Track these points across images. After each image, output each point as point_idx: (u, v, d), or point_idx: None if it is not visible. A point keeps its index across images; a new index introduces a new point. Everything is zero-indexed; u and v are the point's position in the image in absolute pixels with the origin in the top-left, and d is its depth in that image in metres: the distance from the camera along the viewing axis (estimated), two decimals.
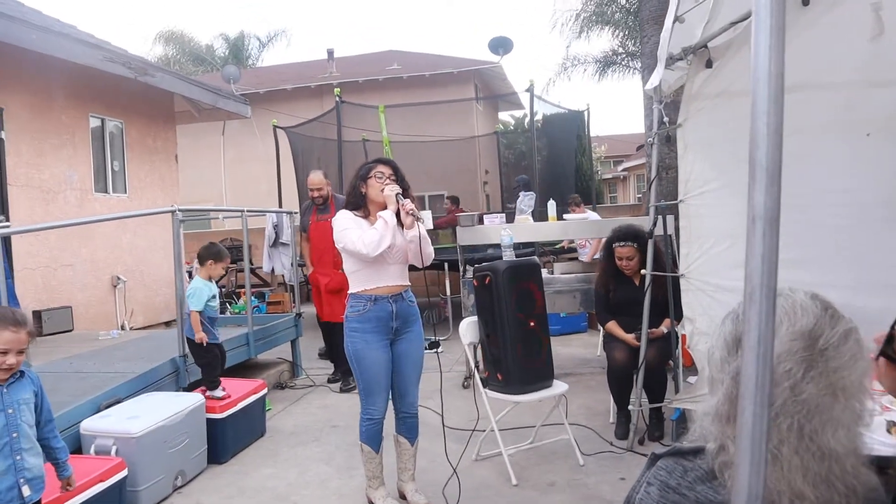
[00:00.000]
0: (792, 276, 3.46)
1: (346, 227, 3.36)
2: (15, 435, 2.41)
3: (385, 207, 3.40)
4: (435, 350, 7.40)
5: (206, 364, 4.47)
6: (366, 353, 3.40)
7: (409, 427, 3.61)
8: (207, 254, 4.50)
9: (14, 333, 2.39)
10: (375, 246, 3.25)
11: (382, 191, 3.40)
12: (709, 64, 3.62)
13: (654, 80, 3.86)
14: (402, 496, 3.60)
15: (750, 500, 0.78)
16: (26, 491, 2.43)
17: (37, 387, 2.55)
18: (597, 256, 7.33)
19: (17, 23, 6.22)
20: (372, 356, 3.40)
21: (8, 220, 6.49)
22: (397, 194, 3.36)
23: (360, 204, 3.48)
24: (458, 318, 8.70)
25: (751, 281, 0.81)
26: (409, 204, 3.35)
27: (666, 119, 4.04)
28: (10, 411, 2.41)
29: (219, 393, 4.38)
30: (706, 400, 1.17)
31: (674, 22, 3.36)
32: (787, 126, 3.16)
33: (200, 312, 4.35)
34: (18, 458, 2.42)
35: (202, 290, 4.37)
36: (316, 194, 6.13)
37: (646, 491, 1.17)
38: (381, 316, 3.41)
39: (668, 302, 4.28)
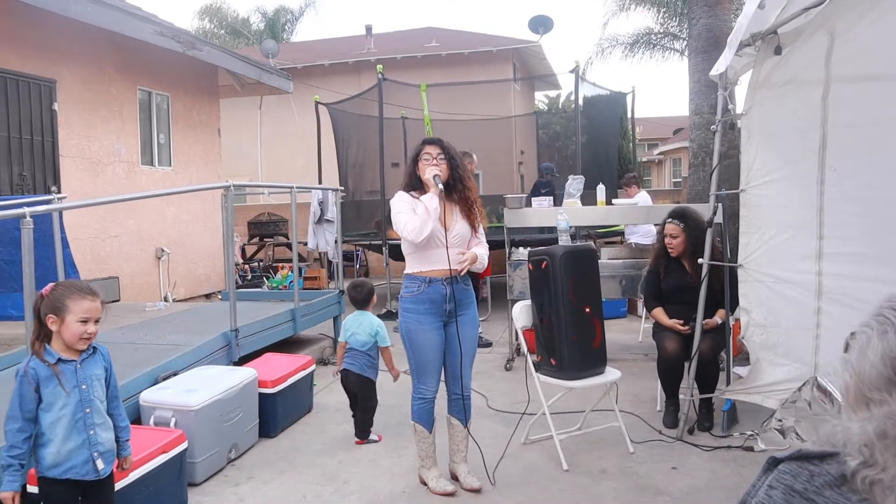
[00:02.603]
0: (861, 271, 3.40)
1: (399, 211, 3.40)
2: (88, 410, 2.45)
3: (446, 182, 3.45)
4: (487, 349, 7.45)
5: (371, 408, 4.40)
6: (418, 333, 3.43)
7: (461, 409, 3.61)
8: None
9: (92, 302, 2.44)
10: (418, 232, 3.30)
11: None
12: (777, 51, 3.54)
13: (721, 66, 3.79)
14: (454, 478, 3.62)
15: None
16: (100, 464, 2.48)
17: (107, 363, 2.59)
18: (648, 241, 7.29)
19: None
20: (424, 337, 3.43)
21: (60, 190, 6.59)
22: (434, 176, 3.37)
23: (416, 185, 3.50)
24: (495, 298, 8.73)
25: None
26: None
27: (731, 107, 3.96)
28: (83, 387, 2.45)
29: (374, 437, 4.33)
30: (850, 415, 1.11)
31: (756, 7, 3.27)
32: (862, 118, 3.13)
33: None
34: (92, 432, 2.46)
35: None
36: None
37: (767, 494, 1.15)
38: (434, 298, 3.43)
39: (721, 292, 4.24)
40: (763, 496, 1.17)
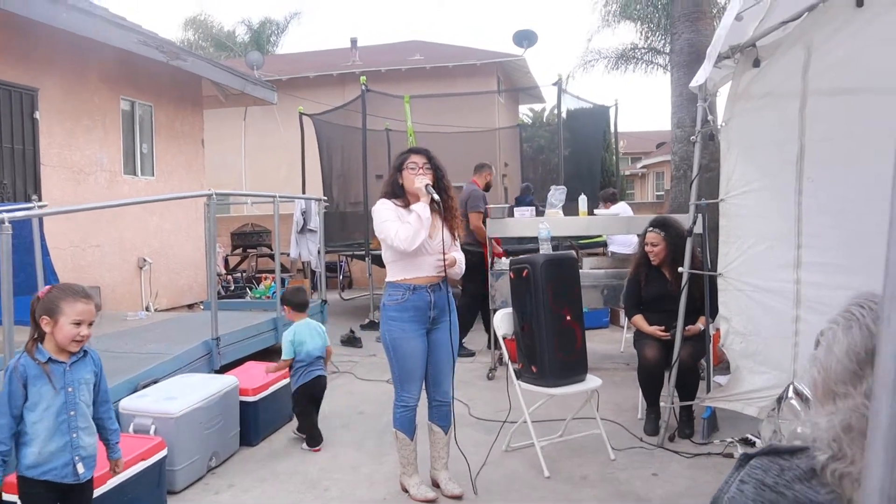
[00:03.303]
0: (836, 280, 3.44)
1: (387, 219, 3.39)
2: (72, 413, 2.44)
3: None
4: (469, 359, 7.45)
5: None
6: (403, 341, 3.42)
7: (442, 415, 3.62)
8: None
9: (86, 305, 2.44)
10: (411, 241, 3.31)
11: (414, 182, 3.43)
12: (756, 63, 3.60)
13: (701, 77, 3.85)
14: (436, 484, 3.62)
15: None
16: (80, 469, 2.46)
17: (97, 367, 2.58)
18: (627, 251, 7.34)
19: (55, 4, 6.27)
20: (410, 345, 3.43)
21: (41, 199, 6.55)
22: (426, 185, 3.39)
23: (398, 193, 3.50)
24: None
25: (892, 280, 0.81)
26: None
27: (710, 118, 4.02)
28: (69, 389, 2.44)
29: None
30: (818, 410, 1.14)
31: (734, 19, 3.33)
32: (838, 131, 3.19)
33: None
34: (75, 435, 2.45)
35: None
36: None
37: (738, 489, 1.17)
38: (419, 305, 3.43)
39: (701, 300, 4.29)
40: (735, 491, 1.19)
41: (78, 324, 2.41)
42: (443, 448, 3.65)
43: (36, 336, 2.44)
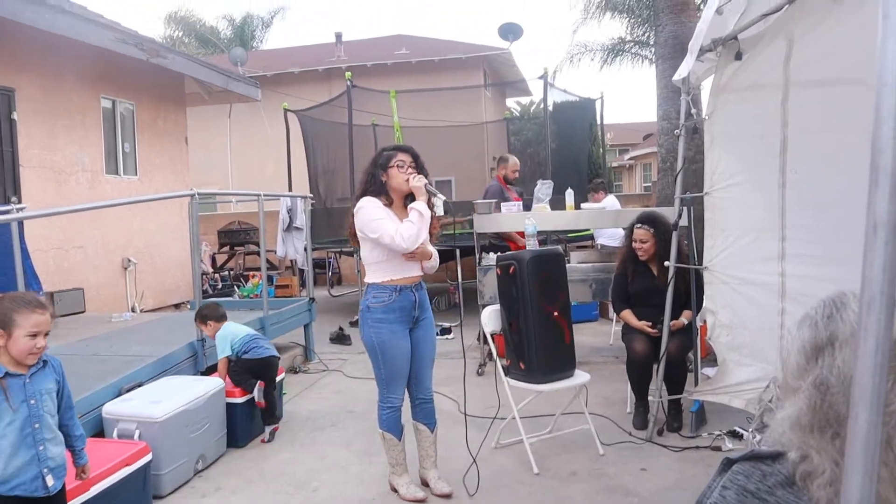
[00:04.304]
0: (820, 272, 3.44)
1: (379, 217, 3.30)
2: (37, 426, 2.36)
3: (407, 195, 3.41)
4: (446, 336, 7.46)
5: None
6: (392, 343, 3.39)
7: (426, 413, 3.63)
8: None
9: (41, 316, 2.34)
10: (414, 240, 3.24)
11: (408, 181, 3.36)
12: (738, 56, 3.59)
13: (683, 70, 3.83)
14: (425, 483, 3.60)
15: None
16: (50, 480, 2.39)
17: (59, 374, 2.50)
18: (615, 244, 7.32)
19: (30, 3, 6.18)
20: (397, 346, 3.40)
21: (21, 201, 6.47)
22: (426, 185, 3.34)
23: (382, 191, 3.42)
24: (468, 304, 8.74)
25: (869, 288, 0.80)
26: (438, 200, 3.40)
27: (694, 111, 4.01)
28: (32, 402, 2.35)
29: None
30: (782, 407, 1.16)
31: (714, 13, 3.32)
32: (818, 123, 3.17)
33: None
34: (41, 448, 2.37)
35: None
36: (518, 175, 7.05)
37: (721, 495, 1.16)
38: (405, 305, 3.41)
39: (687, 294, 4.29)
40: (717, 497, 1.17)
41: (34, 335, 2.31)
42: (430, 446, 3.64)
43: None
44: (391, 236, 3.23)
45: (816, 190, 3.41)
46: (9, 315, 2.30)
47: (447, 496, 3.51)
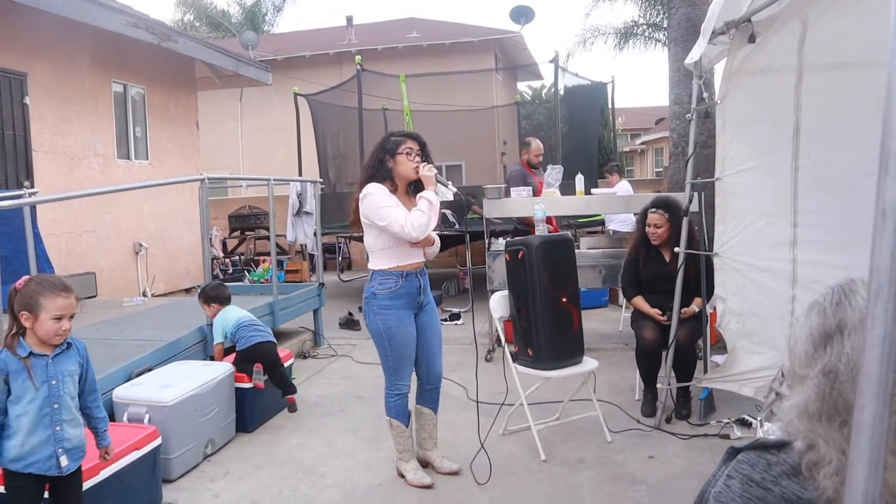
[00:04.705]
0: (832, 259, 3.41)
1: (388, 205, 3.27)
2: (56, 406, 2.42)
3: (411, 182, 3.42)
4: (455, 322, 7.47)
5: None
6: (399, 329, 3.39)
7: (433, 397, 3.66)
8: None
9: (66, 299, 2.40)
10: (424, 229, 3.23)
11: (417, 170, 3.35)
12: (751, 39, 3.54)
13: (695, 54, 3.78)
14: (427, 465, 3.64)
15: (866, 502, 0.76)
16: (64, 461, 2.44)
17: (82, 357, 2.55)
18: (627, 229, 7.28)
19: None
20: (405, 332, 3.41)
21: (33, 185, 6.50)
22: (436, 174, 3.35)
23: (385, 177, 3.38)
24: (477, 290, 8.73)
25: (877, 277, 0.78)
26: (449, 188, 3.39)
27: (706, 95, 3.96)
28: (53, 382, 2.41)
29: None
30: (789, 395, 1.14)
31: None
32: (832, 107, 3.12)
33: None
34: (58, 428, 2.42)
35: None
36: (541, 159, 6.91)
37: (725, 484, 1.14)
38: (411, 291, 3.42)
39: (698, 281, 4.25)
40: (721, 486, 1.16)
41: (59, 318, 2.37)
42: (433, 429, 3.68)
43: (16, 330, 2.39)
44: (401, 225, 3.21)
45: (829, 175, 3.36)
46: (35, 298, 2.35)
47: (455, 473, 3.56)
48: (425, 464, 3.64)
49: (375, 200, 3.29)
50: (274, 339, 4.65)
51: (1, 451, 2.38)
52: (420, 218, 3.22)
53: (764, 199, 3.72)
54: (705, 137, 5.68)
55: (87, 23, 6.86)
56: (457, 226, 3.50)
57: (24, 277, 2.44)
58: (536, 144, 6.96)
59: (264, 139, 16.18)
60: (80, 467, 2.57)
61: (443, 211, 3.44)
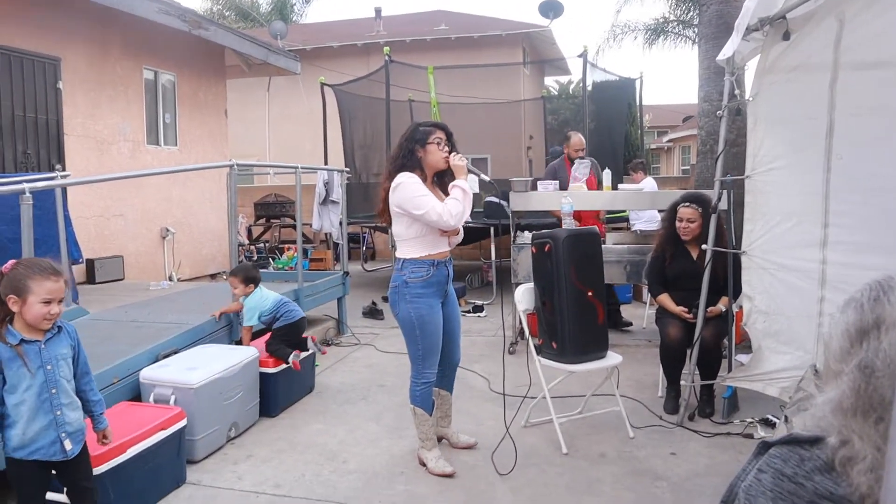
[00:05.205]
0: (864, 260, 3.36)
1: (424, 193, 3.32)
2: (54, 391, 2.39)
3: (436, 173, 3.48)
4: (478, 314, 7.47)
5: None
6: (430, 317, 3.44)
7: (449, 381, 3.81)
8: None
9: (55, 283, 2.35)
10: (460, 217, 3.31)
11: (447, 160, 3.41)
12: (786, 36, 3.49)
13: (728, 50, 3.74)
14: (441, 440, 3.78)
15: None
16: (68, 445, 2.43)
17: (74, 340, 2.51)
18: (653, 227, 7.22)
19: None
20: (435, 320, 3.47)
21: (64, 169, 6.60)
22: (467, 164, 3.41)
23: (415, 166, 3.43)
24: (501, 282, 8.73)
25: None
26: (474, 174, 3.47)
27: (738, 92, 3.91)
28: (48, 367, 2.38)
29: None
30: (823, 391, 1.14)
31: None
32: (867, 107, 3.07)
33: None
34: (59, 413, 2.40)
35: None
36: (581, 153, 6.66)
37: (756, 478, 1.14)
38: (440, 280, 3.47)
39: (724, 279, 4.22)
40: (752, 480, 1.16)
41: (48, 302, 2.32)
42: (449, 408, 3.84)
43: (2, 317, 2.34)
44: (438, 213, 3.26)
45: (862, 175, 3.32)
46: (23, 281, 2.31)
47: (471, 447, 3.74)
48: (440, 439, 3.78)
49: (410, 189, 3.33)
50: (302, 314, 4.84)
51: (4, 439, 2.36)
52: (457, 206, 3.29)
53: (794, 199, 3.67)
54: (734, 136, 5.61)
55: (120, 9, 6.94)
56: (486, 178, 3.58)
57: (12, 261, 2.39)
58: (576, 138, 6.81)
59: (290, 128, 16.27)
60: (85, 447, 2.56)
61: (483, 178, 3.60)
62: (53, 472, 2.49)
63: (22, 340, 2.34)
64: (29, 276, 2.31)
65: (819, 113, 3.46)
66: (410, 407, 3.58)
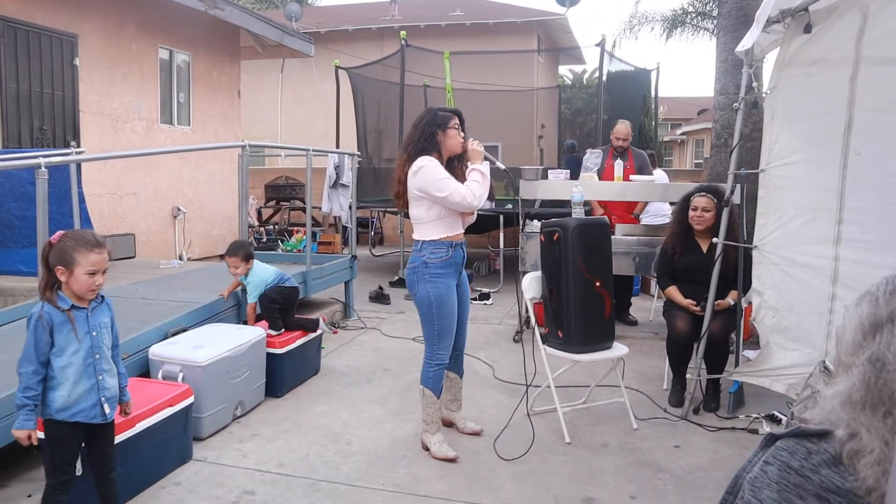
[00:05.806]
0: (878, 258, 3.34)
1: (446, 176, 3.39)
2: (97, 356, 2.50)
3: (453, 156, 3.54)
4: (484, 301, 7.48)
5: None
6: (448, 297, 3.50)
7: (458, 363, 3.83)
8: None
9: (99, 255, 2.45)
10: (482, 199, 3.42)
11: (464, 145, 3.50)
12: (807, 29, 3.46)
13: (748, 42, 3.70)
14: (449, 425, 3.80)
15: None
16: (107, 409, 2.54)
17: (111, 312, 2.64)
18: (662, 220, 7.18)
19: None
20: (451, 301, 3.53)
21: (79, 146, 6.62)
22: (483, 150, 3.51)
23: (434, 150, 3.47)
24: (508, 271, 8.72)
25: None
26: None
27: (755, 85, 3.88)
28: (94, 333, 2.50)
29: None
30: (833, 383, 1.13)
31: None
32: (888, 102, 3.03)
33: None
34: (100, 377, 2.52)
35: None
36: (623, 143, 6.44)
37: (762, 470, 1.14)
38: (457, 261, 3.55)
39: (734, 273, 4.20)
40: (758, 472, 1.15)
41: (93, 273, 2.43)
42: (458, 391, 3.87)
43: (50, 282, 2.45)
44: (462, 195, 3.36)
45: (880, 172, 3.29)
46: (69, 254, 2.41)
47: (477, 434, 3.76)
48: (449, 424, 3.81)
49: (433, 172, 3.38)
50: (295, 284, 4.94)
51: (47, 401, 2.44)
52: (479, 188, 3.40)
53: (809, 194, 3.64)
54: (749, 130, 5.58)
55: None
56: (501, 165, 3.67)
57: (59, 232, 2.49)
58: (617, 127, 6.57)
59: (303, 111, 16.26)
60: (115, 416, 2.65)
61: (498, 166, 3.76)
62: None
63: (72, 306, 2.45)
64: (75, 249, 2.42)
65: (838, 108, 3.43)
66: (420, 388, 3.60)
